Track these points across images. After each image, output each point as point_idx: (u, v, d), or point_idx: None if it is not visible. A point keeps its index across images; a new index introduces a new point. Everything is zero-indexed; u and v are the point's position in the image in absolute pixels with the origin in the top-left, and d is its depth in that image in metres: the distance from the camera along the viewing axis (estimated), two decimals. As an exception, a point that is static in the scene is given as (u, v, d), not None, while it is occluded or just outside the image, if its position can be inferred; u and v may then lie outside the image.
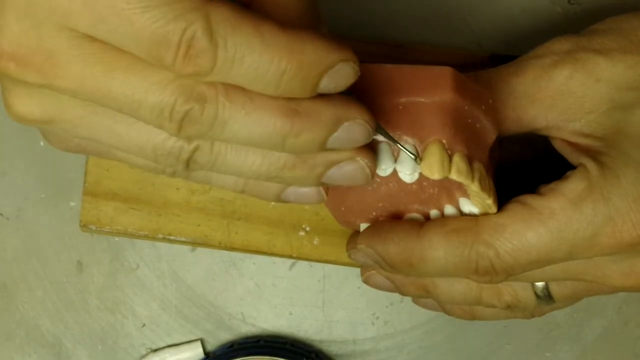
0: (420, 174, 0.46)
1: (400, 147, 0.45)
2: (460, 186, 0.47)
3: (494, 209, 0.47)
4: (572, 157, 0.49)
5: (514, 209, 0.47)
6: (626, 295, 0.59)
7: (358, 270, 0.57)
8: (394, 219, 0.49)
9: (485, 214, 0.47)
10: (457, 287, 0.50)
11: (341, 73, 0.39)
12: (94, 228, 0.55)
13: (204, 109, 0.39)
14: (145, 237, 0.55)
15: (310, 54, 0.38)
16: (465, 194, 0.47)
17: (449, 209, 0.48)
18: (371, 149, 0.44)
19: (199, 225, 0.55)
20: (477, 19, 0.59)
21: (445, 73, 0.45)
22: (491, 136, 0.47)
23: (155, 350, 0.58)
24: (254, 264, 0.58)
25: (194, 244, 0.56)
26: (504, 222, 0.46)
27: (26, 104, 0.41)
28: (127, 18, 0.37)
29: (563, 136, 0.49)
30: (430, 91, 0.45)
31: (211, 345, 0.58)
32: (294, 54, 0.38)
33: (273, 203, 0.55)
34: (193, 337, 0.58)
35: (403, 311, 0.58)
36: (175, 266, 0.58)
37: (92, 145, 0.44)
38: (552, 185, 0.47)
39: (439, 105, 0.45)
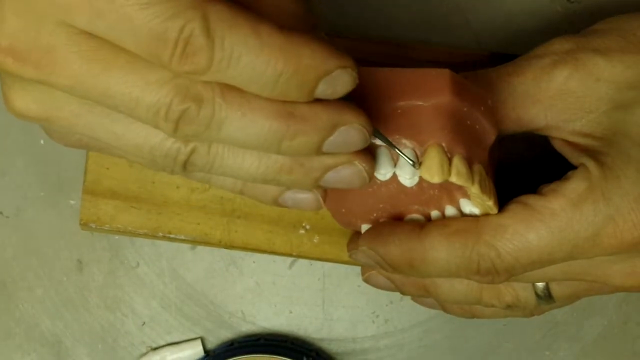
0: (420, 178, 0.46)
1: (399, 152, 0.45)
2: (460, 187, 0.47)
3: (494, 210, 0.47)
4: (572, 156, 0.49)
5: (515, 210, 0.47)
6: (626, 294, 0.59)
7: (358, 268, 0.57)
8: (395, 221, 0.49)
9: (486, 215, 0.47)
10: (458, 287, 0.50)
11: (339, 80, 0.39)
12: (94, 226, 0.55)
13: (200, 109, 0.39)
14: (145, 235, 0.55)
15: (308, 58, 0.38)
16: (466, 195, 0.47)
17: (450, 210, 0.48)
18: (370, 152, 0.44)
19: (198, 224, 0.55)
20: (476, 18, 0.59)
21: (443, 75, 0.45)
22: (490, 137, 0.47)
23: (156, 349, 0.58)
24: (254, 262, 0.58)
25: (194, 242, 0.56)
26: (505, 222, 0.46)
27: (24, 99, 0.41)
28: (126, 14, 0.37)
29: (563, 136, 0.49)
30: (429, 94, 0.45)
31: (211, 344, 0.58)
32: (291, 57, 0.38)
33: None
34: (193, 336, 0.58)
35: (403, 310, 0.58)
36: (175, 264, 0.58)
37: (92, 141, 0.44)
38: (553, 185, 0.47)
39: (437, 108, 0.45)
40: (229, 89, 0.39)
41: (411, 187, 0.47)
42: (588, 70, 0.48)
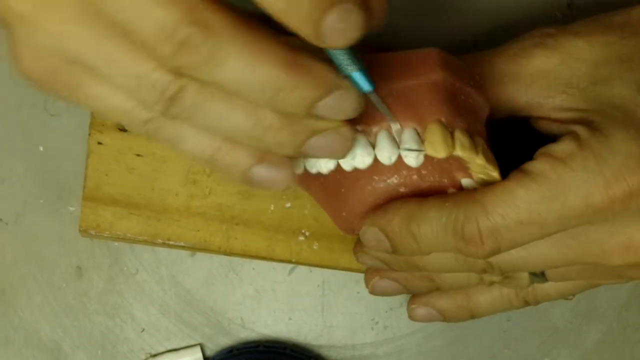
0: (425, 157, 0.46)
1: (394, 123, 0.45)
2: (461, 167, 0.47)
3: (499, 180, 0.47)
4: (558, 131, 0.49)
5: (510, 175, 0.47)
6: (625, 300, 0.59)
7: (357, 275, 0.57)
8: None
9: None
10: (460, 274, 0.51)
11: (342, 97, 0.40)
12: (94, 233, 0.55)
13: (207, 37, 0.38)
14: (145, 242, 0.55)
15: None
16: (467, 174, 0.47)
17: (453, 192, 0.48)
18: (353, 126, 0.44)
19: (198, 231, 0.55)
20: (476, 23, 0.59)
21: (432, 53, 0.46)
22: (484, 110, 0.48)
23: (155, 355, 0.58)
24: (253, 269, 0.58)
25: (193, 249, 0.56)
26: (498, 184, 0.46)
27: None
28: None
29: (545, 114, 0.50)
30: (422, 73, 0.46)
31: (210, 351, 0.58)
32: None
33: (272, 208, 0.55)
34: (192, 342, 0.58)
35: (402, 316, 0.58)
36: (175, 271, 0.58)
37: (65, 71, 0.41)
38: (543, 149, 0.47)
39: (432, 85, 0.46)
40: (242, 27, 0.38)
41: (411, 177, 0.47)
42: (567, 51, 0.49)
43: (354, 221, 0.50)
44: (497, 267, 0.48)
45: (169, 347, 0.58)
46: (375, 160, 0.46)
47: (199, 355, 0.58)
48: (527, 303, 0.53)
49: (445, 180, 0.48)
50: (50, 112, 0.58)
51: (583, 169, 0.45)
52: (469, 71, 0.48)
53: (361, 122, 0.46)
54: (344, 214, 0.50)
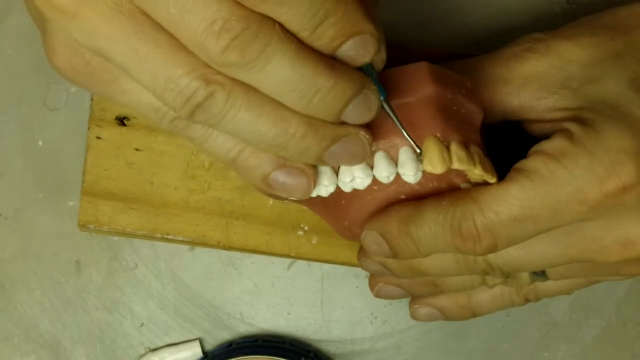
0: (423, 172, 0.46)
1: (407, 136, 0.45)
2: (459, 174, 0.47)
3: None
4: (552, 131, 0.49)
5: (506, 176, 0.47)
6: (625, 295, 0.59)
7: (356, 269, 0.57)
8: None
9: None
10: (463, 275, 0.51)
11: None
12: (93, 228, 0.55)
13: (259, 33, 0.39)
14: (144, 236, 0.55)
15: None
16: (465, 180, 0.47)
17: None
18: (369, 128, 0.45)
19: (197, 225, 0.55)
20: (475, 19, 0.59)
21: (422, 68, 0.46)
22: (478, 117, 0.48)
23: (154, 350, 0.58)
24: (252, 263, 0.58)
25: (193, 243, 0.56)
26: (493, 184, 0.47)
27: None
28: None
29: (537, 115, 0.50)
30: (412, 89, 0.46)
31: (209, 345, 0.58)
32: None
33: (271, 202, 0.55)
34: (191, 337, 0.58)
35: (401, 311, 0.58)
36: (174, 266, 0.58)
37: (100, 66, 0.43)
38: (536, 146, 0.47)
39: (425, 100, 0.46)
40: (288, 32, 0.40)
41: (410, 185, 0.47)
42: (558, 54, 0.49)
43: (357, 230, 0.50)
44: (496, 267, 0.48)
45: (168, 342, 0.58)
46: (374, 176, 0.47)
47: (198, 349, 0.58)
48: (527, 301, 0.53)
49: (444, 186, 0.48)
50: (49, 106, 0.58)
51: (575, 165, 0.45)
52: (460, 79, 0.48)
53: None
54: (346, 223, 0.50)
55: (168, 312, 0.58)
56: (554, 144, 0.46)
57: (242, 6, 0.39)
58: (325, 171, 0.46)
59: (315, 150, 0.43)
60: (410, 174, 0.46)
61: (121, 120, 0.55)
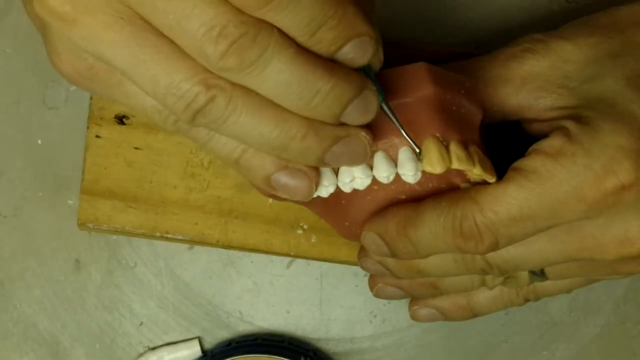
0: (422, 172, 0.46)
1: (406, 135, 0.45)
2: (459, 173, 0.47)
3: None
4: (550, 129, 0.49)
5: (504, 176, 0.47)
6: (624, 294, 0.59)
7: (356, 268, 0.57)
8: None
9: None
10: (462, 276, 0.51)
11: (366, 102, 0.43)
12: (92, 226, 0.55)
13: (257, 37, 0.39)
14: (143, 235, 0.55)
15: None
16: (465, 180, 0.47)
17: None
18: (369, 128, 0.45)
19: (196, 224, 0.55)
20: (474, 18, 0.59)
21: (420, 69, 0.46)
22: (477, 117, 0.48)
23: (153, 349, 0.58)
24: (251, 262, 0.58)
25: (192, 242, 0.56)
26: (492, 184, 0.47)
27: None
28: None
29: (536, 115, 0.50)
30: (411, 90, 0.46)
31: (209, 344, 0.58)
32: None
33: (271, 201, 0.55)
34: (191, 336, 0.58)
35: (401, 309, 0.58)
36: (173, 264, 0.58)
37: (104, 70, 0.43)
38: (535, 145, 0.47)
39: (423, 101, 0.46)
40: (285, 35, 0.40)
41: (411, 186, 0.47)
42: (557, 54, 0.50)
43: (357, 230, 0.50)
44: (495, 265, 0.49)
45: (167, 341, 0.58)
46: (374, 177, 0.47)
47: (197, 348, 0.58)
48: (527, 300, 0.53)
49: (444, 186, 0.48)
50: (48, 105, 0.58)
51: (573, 164, 0.45)
52: (459, 79, 0.48)
53: None
54: (346, 223, 0.50)
55: (167, 311, 0.58)
56: (552, 143, 0.46)
57: (240, 12, 0.39)
58: (325, 172, 0.46)
59: (316, 151, 0.43)
60: (409, 174, 0.46)
61: (120, 119, 0.55)
